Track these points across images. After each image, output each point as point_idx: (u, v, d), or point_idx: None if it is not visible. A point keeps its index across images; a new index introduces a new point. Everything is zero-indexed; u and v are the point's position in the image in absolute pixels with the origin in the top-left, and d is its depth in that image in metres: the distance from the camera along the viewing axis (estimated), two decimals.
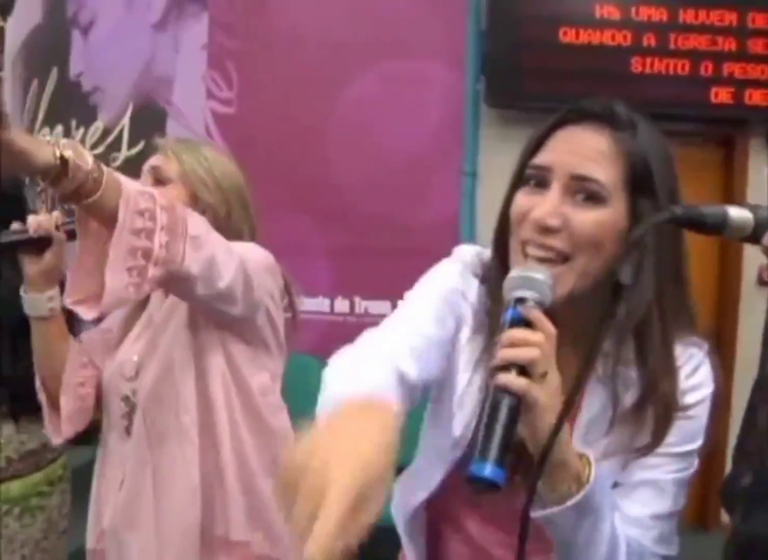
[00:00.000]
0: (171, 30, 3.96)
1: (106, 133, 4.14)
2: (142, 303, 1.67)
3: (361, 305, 3.69)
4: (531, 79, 3.73)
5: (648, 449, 1.03)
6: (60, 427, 1.63)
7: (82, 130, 4.26)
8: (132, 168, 3.97)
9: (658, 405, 1.02)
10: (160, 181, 1.61)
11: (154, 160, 1.63)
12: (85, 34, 4.34)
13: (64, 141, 1.18)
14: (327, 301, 3.70)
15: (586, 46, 3.77)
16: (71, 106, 4.36)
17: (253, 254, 1.53)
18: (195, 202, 1.61)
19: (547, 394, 0.90)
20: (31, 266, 1.57)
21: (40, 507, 2.03)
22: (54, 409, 1.65)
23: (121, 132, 4.06)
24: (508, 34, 3.75)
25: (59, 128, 4.41)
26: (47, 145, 1.15)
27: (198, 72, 3.84)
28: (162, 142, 1.66)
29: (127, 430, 1.59)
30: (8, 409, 1.99)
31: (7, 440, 2.00)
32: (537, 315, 0.92)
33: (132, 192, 1.23)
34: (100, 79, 4.23)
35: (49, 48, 4.63)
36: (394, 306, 3.58)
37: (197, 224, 1.34)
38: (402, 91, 3.70)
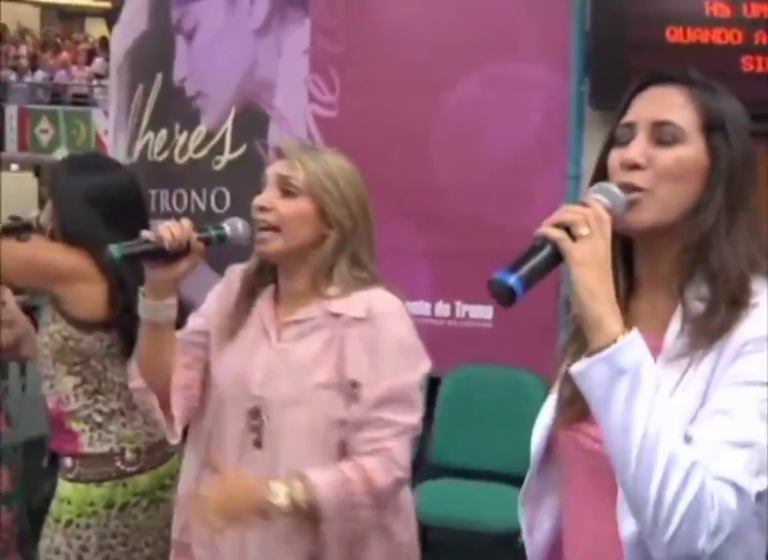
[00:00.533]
0: (273, 35, 4.01)
1: (208, 136, 4.21)
2: (244, 307, 1.66)
3: (462, 309, 3.66)
4: (637, 80, 3.64)
5: (714, 336, 1.06)
6: (174, 428, 1.66)
7: (185, 134, 4.34)
8: (234, 171, 4.05)
9: (726, 301, 1.07)
10: (287, 191, 1.58)
11: (280, 168, 1.60)
12: (188, 40, 4.43)
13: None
14: (428, 305, 3.69)
15: (695, 45, 3.66)
16: (175, 111, 4.45)
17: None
18: (322, 216, 1.58)
19: (581, 251, 1.01)
20: (157, 274, 1.58)
21: (163, 499, 2.11)
22: (165, 410, 1.68)
23: (223, 136, 4.12)
24: (614, 34, 3.66)
25: (163, 132, 4.50)
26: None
27: (300, 76, 3.88)
28: (286, 147, 1.63)
29: (257, 443, 1.57)
30: None
31: (135, 432, 2.08)
32: (592, 202, 1.06)
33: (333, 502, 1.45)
34: (204, 84, 4.30)
35: (153, 54, 4.73)
36: (495, 310, 3.54)
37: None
38: (505, 93, 3.66)
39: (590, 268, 1.02)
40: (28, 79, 18.39)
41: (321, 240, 1.59)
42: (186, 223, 1.56)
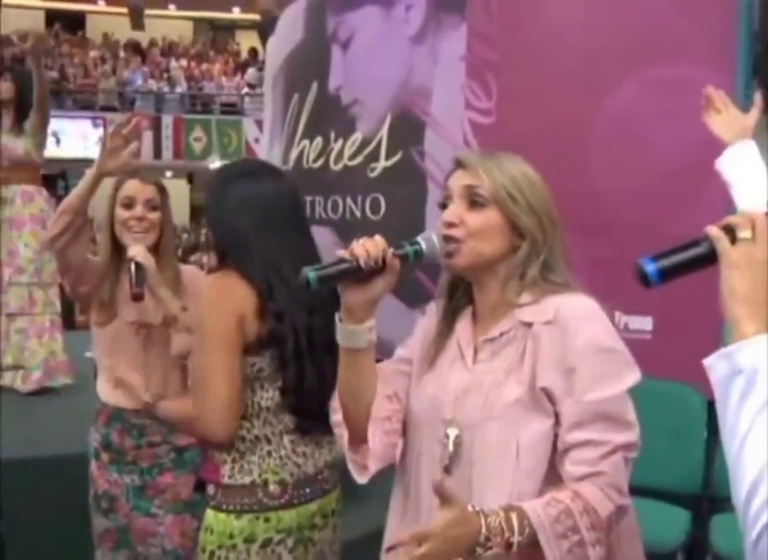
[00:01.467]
0: (429, 42, 4.02)
1: (364, 144, 4.26)
2: (445, 333, 1.60)
3: (622, 320, 3.56)
4: None
5: None
6: (366, 464, 1.55)
7: (340, 142, 4.41)
8: (389, 177, 4.07)
9: None
10: (474, 202, 1.51)
11: (464, 179, 1.53)
12: (344, 48, 4.50)
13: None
14: None
15: None
16: (330, 119, 4.53)
17: None
18: (512, 227, 1.51)
19: (737, 254, 1.05)
20: (353, 296, 1.49)
21: (313, 539, 1.98)
22: (355, 445, 1.57)
23: (379, 143, 4.16)
24: None
25: (318, 139, 4.59)
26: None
27: (456, 82, 3.87)
28: (466, 157, 1.55)
29: (446, 469, 1.49)
30: (294, 424, 1.96)
31: (281, 463, 1.94)
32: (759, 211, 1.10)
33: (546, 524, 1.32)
34: (359, 91, 4.36)
35: (309, 64, 4.84)
36: (655, 322, 3.39)
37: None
38: (666, 97, 3.53)
39: (742, 271, 1.04)
40: (179, 89, 19.18)
41: (511, 251, 1.51)
42: (380, 239, 1.47)
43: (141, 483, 2.52)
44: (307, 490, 1.96)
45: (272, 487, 1.91)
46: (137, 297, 2.39)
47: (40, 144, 4.97)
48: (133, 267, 2.41)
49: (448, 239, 1.50)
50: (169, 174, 17.91)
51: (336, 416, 1.59)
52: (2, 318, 4.91)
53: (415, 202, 3.97)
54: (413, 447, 1.58)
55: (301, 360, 1.93)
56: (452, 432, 1.48)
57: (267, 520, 1.90)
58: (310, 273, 1.42)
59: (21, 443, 3.87)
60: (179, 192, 17.06)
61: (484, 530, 1.29)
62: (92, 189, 2.48)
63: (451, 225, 1.50)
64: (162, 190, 2.59)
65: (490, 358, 1.51)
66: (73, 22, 22.82)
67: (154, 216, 2.53)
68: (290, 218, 2.04)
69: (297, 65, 5.03)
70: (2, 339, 4.91)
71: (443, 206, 1.56)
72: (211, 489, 1.95)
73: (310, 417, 1.94)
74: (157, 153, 17.41)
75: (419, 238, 1.51)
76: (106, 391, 2.58)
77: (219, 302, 1.89)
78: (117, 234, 2.53)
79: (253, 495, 1.90)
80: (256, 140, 17.37)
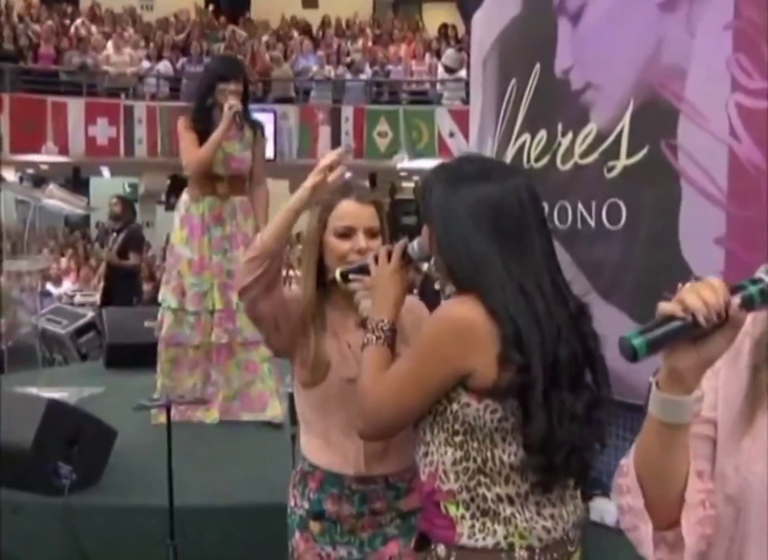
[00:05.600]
0: (684, 8, 3.85)
1: (599, 138, 4.14)
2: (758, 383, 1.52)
3: None
4: None
5: None
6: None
7: (570, 136, 4.32)
8: (632, 178, 3.95)
9: None
10: None
11: None
12: (574, 22, 4.41)
13: None
14: None
15: None
16: (558, 108, 4.45)
17: None
18: None
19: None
20: (683, 359, 1.42)
21: None
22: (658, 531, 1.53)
23: (618, 136, 4.03)
24: None
25: (542, 133, 4.52)
26: None
27: (720, 58, 3.68)
28: None
29: None
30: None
31: (528, 525, 1.99)
32: None
33: None
34: (593, 73, 4.25)
35: (530, 42, 4.79)
36: None
37: None
38: None
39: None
40: (363, 76, 19.57)
41: None
42: (718, 284, 1.39)
43: (360, 555, 2.51)
44: (554, 555, 2.01)
45: (519, 553, 1.96)
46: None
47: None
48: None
49: None
50: (348, 174, 18.29)
51: (634, 501, 1.54)
52: (237, 347, 5.39)
53: (665, 208, 3.82)
54: (726, 533, 1.50)
55: (549, 409, 1.93)
56: None
57: None
58: (635, 340, 1.36)
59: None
60: None
61: None
62: (290, 227, 2.45)
63: None
64: (380, 209, 2.57)
65: None
66: (234, 2, 23.66)
67: (376, 245, 2.47)
68: (539, 230, 2.03)
69: (514, 44, 4.99)
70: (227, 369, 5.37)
71: None
72: (441, 551, 2.01)
73: (556, 472, 1.97)
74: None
75: (763, 273, 1.40)
76: (315, 452, 2.55)
77: (452, 337, 1.95)
78: (327, 266, 2.50)
79: None
80: (451, 134, 17.53)
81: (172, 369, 5.39)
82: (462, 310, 1.95)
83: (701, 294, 1.36)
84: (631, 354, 1.36)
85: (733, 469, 1.51)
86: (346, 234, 2.46)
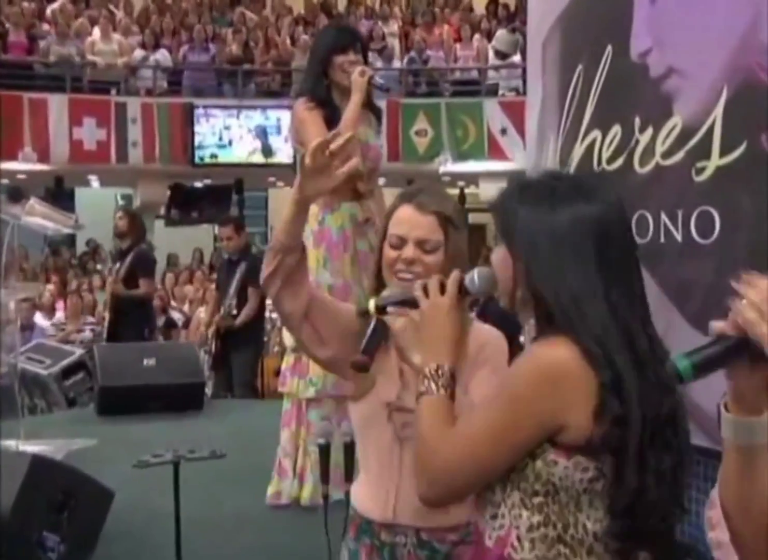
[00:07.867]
0: None
1: (685, 133, 4.12)
2: None
3: None
4: None
5: None
6: None
7: (649, 131, 4.30)
8: (726, 182, 3.95)
9: None
10: None
11: None
12: None
13: None
14: None
15: None
16: (634, 98, 4.44)
17: None
18: None
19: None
20: (745, 379, 1.54)
21: None
22: None
23: (709, 131, 4.01)
24: None
25: (616, 129, 4.50)
26: None
27: None
28: None
29: None
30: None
31: None
32: None
33: None
34: (678, 57, 4.24)
35: (600, 21, 4.78)
36: None
37: None
38: None
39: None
40: (398, 64, 19.65)
41: None
42: None
43: None
44: None
45: None
46: (359, 367, 2.44)
47: None
48: (372, 325, 2.46)
49: None
50: (381, 181, 18.32)
51: (722, 535, 1.67)
52: None
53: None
54: None
55: (644, 469, 1.93)
56: None
57: None
58: (682, 361, 1.48)
59: None
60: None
61: None
62: (299, 219, 2.57)
63: None
64: (444, 221, 2.60)
65: None
66: None
67: (432, 259, 2.54)
68: (634, 259, 2.08)
69: (581, 24, 4.99)
70: None
71: None
72: None
73: (639, 541, 1.97)
74: None
75: None
76: (355, 489, 2.67)
77: (548, 389, 1.96)
78: (384, 276, 2.62)
79: None
80: (503, 131, 17.55)
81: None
82: (558, 355, 1.96)
83: (756, 308, 1.44)
84: (677, 375, 1.49)
85: None
86: (397, 245, 2.56)
